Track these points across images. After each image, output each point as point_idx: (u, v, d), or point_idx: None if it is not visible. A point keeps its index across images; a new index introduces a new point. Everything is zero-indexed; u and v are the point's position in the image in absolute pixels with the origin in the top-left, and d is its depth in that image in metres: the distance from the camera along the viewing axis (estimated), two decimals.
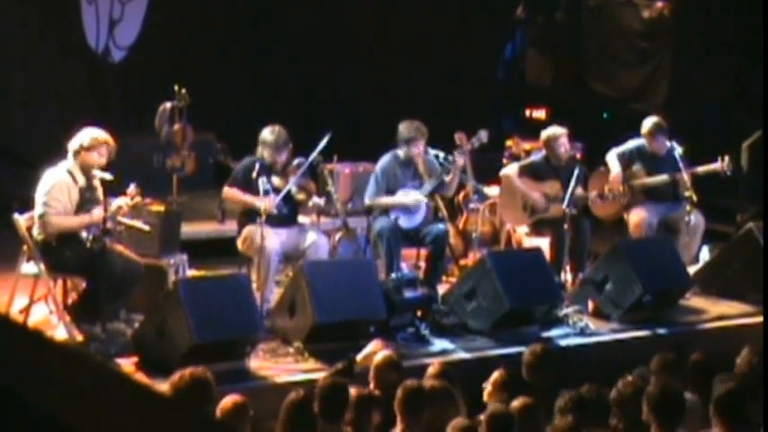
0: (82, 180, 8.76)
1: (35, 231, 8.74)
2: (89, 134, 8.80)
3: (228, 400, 6.45)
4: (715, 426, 6.46)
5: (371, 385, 7.23)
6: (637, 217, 11.33)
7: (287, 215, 9.97)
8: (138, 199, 9.02)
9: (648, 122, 11.46)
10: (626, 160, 11.49)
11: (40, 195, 8.66)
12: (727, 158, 11.33)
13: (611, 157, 11.56)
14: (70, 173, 8.73)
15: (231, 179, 10.05)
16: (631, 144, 11.62)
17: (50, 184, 8.66)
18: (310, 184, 10.17)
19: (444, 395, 6.62)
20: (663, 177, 11.32)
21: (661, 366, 7.51)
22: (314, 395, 6.46)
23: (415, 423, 6.44)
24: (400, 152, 10.54)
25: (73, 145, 8.76)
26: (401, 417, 6.47)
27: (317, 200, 10.15)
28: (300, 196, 9.98)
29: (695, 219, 11.30)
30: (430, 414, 6.47)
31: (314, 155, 10.13)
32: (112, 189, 9.05)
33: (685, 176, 11.19)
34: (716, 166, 11.34)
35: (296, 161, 10.09)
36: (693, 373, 7.55)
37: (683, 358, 7.82)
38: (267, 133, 9.93)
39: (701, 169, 11.38)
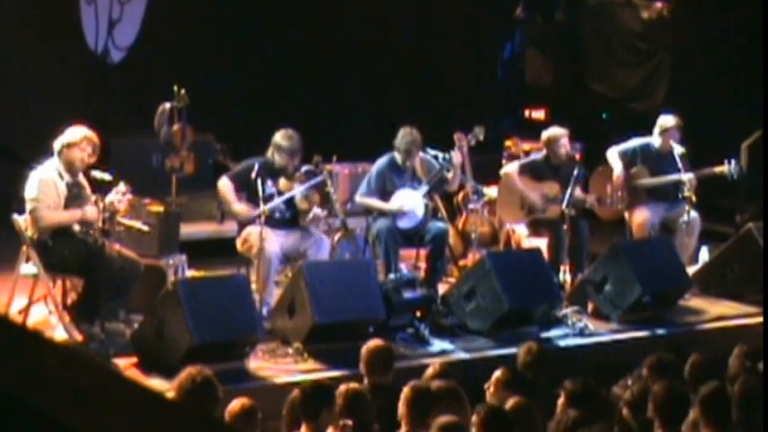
0: (68, 177, 8.81)
1: (29, 230, 8.75)
2: (70, 131, 8.88)
3: (236, 404, 6.44)
4: (702, 427, 6.46)
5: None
6: (640, 217, 11.33)
7: (288, 218, 9.98)
8: (129, 196, 9.03)
9: (670, 120, 11.43)
10: (628, 159, 11.48)
11: (28, 193, 8.72)
12: (733, 162, 11.32)
13: (613, 155, 11.54)
14: (56, 170, 8.78)
15: (231, 172, 10.07)
16: (635, 143, 11.60)
17: (38, 181, 8.73)
18: (315, 195, 10.19)
19: (452, 395, 6.61)
20: (670, 178, 11.28)
21: (654, 367, 7.49)
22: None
23: (421, 424, 6.43)
24: (398, 156, 10.53)
25: (56, 144, 8.82)
26: (407, 418, 6.46)
27: (318, 211, 10.17)
28: (303, 205, 10.01)
29: (692, 218, 11.29)
30: (437, 414, 6.46)
31: (322, 176, 10.20)
32: (111, 189, 9.06)
33: (684, 177, 11.19)
34: (722, 168, 11.33)
35: (303, 168, 10.12)
36: (692, 374, 7.54)
37: (682, 359, 7.82)
38: (282, 138, 9.89)
39: (706, 171, 11.36)
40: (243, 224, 9.96)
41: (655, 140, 11.49)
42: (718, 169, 11.35)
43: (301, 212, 10.08)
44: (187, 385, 6.39)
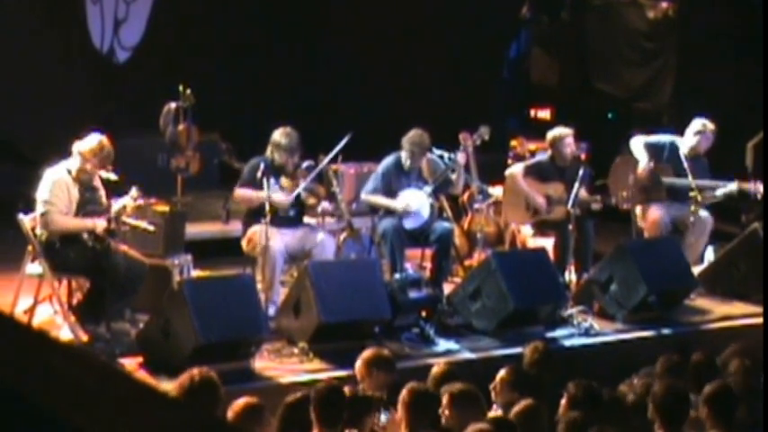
0: (80, 185, 8.78)
1: (38, 231, 8.76)
2: (88, 141, 8.82)
3: (242, 402, 6.43)
4: (709, 428, 6.46)
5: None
6: (655, 215, 11.32)
7: (293, 216, 9.98)
8: (140, 201, 9.05)
9: (708, 124, 11.44)
10: (655, 153, 11.44)
11: (40, 194, 8.70)
12: (759, 183, 11.36)
13: (638, 146, 11.50)
14: (70, 172, 8.75)
15: (240, 181, 10.04)
16: (664, 138, 11.59)
17: (51, 183, 8.71)
18: (320, 188, 10.20)
19: (469, 397, 6.62)
20: (696, 181, 11.28)
21: (666, 369, 7.50)
22: (310, 398, 6.44)
23: (420, 425, 6.43)
24: (403, 157, 10.52)
25: (73, 147, 8.80)
26: (406, 419, 6.46)
27: (326, 205, 10.17)
28: (310, 201, 10.01)
29: (703, 218, 11.30)
30: (455, 416, 6.46)
31: (325, 162, 10.19)
32: (117, 189, 9.07)
33: (690, 177, 11.20)
34: (745, 186, 11.36)
35: (305, 164, 10.11)
36: (694, 373, 7.53)
37: (688, 359, 7.82)
38: (281, 136, 9.90)
39: (719, 193, 11.35)
40: (247, 223, 9.96)
41: (685, 141, 11.47)
42: (727, 189, 11.35)
43: (308, 208, 10.08)
44: (187, 385, 6.39)
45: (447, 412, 6.51)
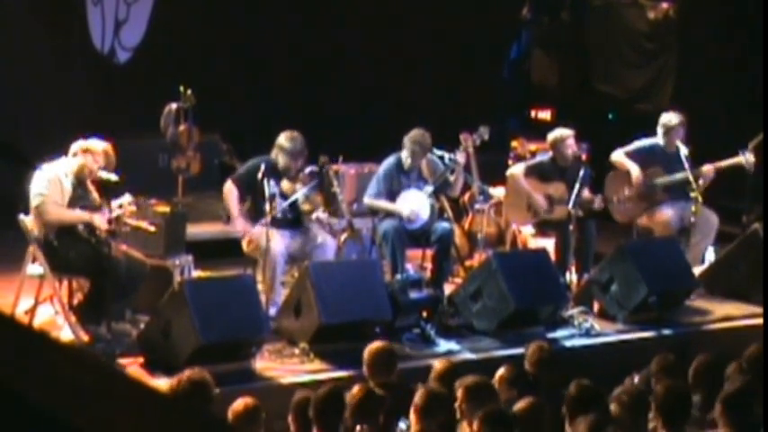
0: (73, 179, 8.80)
1: (35, 228, 8.77)
2: (93, 141, 8.85)
3: (240, 403, 6.45)
4: (721, 426, 6.45)
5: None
6: (664, 216, 11.35)
7: (292, 218, 9.98)
8: (133, 207, 9.06)
9: (674, 118, 11.44)
10: (642, 159, 11.45)
11: (35, 188, 8.73)
12: (746, 153, 11.37)
13: (621, 157, 11.52)
14: (64, 171, 8.79)
15: (236, 175, 10.06)
16: (644, 143, 11.60)
17: (43, 177, 8.75)
18: (317, 197, 10.20)
19: (484, 388, 6.63)
20: (689, 174, 11.29)
21: (661, 368, 7.49)
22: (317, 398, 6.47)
23: (431, 425, 6.43)
24: (404, 156, 10.53)
25: (75, 146, 8.84)
26: (417, 420, 6.46)
27: (321, 215, 10.18)
28: (306, 207, 10.01)
29: (709, 218, 11.33)
30: (471, 408, 6.47)
31: (316, 180, 10.24)
32: (116, 191, 9.07)
33: (691, 177, 11.21)
34: (738, 159, 11.39)
35: (307, 169, 10.12)
36: (697, 374, 7.52)
37: (688, 359, 7.81)
38: (286, 140, 9.90)
39: (723, 164, 11.39)
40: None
41: (660, 140, 11.49)
42: (733, 161, 11.40)
43: (305, 213, 10.09)
44: (176, 386, 6.40)
45: (463, 406, 6.52)
